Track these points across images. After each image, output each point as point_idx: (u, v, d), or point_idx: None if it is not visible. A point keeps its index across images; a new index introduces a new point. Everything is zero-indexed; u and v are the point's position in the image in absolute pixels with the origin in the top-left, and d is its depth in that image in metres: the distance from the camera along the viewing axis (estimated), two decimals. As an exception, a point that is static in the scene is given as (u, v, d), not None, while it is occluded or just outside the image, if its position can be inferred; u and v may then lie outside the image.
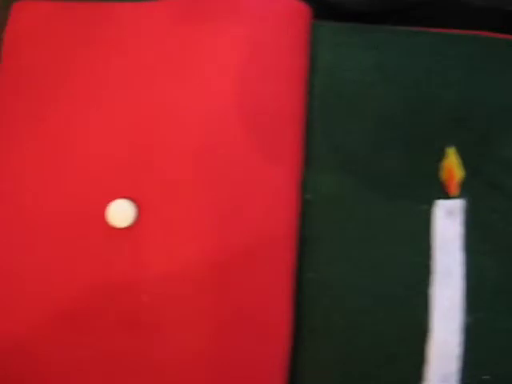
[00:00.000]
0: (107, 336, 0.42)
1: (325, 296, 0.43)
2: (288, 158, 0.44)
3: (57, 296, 0.43)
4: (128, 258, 0.43)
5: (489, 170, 0.43)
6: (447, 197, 0.43)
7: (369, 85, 0.45)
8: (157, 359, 0.42)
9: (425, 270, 0.43)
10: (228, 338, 0.42)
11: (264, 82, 0.45)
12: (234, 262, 0.42)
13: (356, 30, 0.46)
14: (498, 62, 0.45)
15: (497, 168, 0.43)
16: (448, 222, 0.43)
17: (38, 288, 0.43)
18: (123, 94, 0.45)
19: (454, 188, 0.43)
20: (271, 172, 0.43)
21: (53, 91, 0.46)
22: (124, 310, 0.43)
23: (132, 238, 0.43)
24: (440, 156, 0.43)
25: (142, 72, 0.45)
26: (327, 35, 0.46)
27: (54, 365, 0.42)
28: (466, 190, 0.43)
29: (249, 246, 0.42)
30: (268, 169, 0.43)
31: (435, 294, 0.43)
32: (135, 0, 0.47)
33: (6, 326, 0.43)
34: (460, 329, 0.42)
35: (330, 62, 0.46)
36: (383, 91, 0.44)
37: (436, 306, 0.43)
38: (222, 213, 0.43)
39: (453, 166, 0.43)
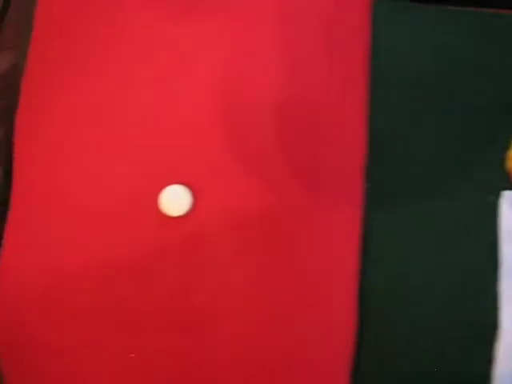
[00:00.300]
0: (157, 336, 0.38)
1: (388, 300, 0.41)
2: (353, 145, 0.41)
3: (105, 290, 0.39)
4: (182, 252, 0.39)
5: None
6: (513, 188, 0.42)
7: (429, 67, 0.43)
8: (210, 369, 0.38)
9: (491, 264, 0.41)
10: (291, 345, 0.39)
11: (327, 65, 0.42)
12: (299, 253, 0.39)
13: (416, 9, 0.44)
14: None
15: None
16: (514, 214, 0.41)
17: (86, 281, 0.39)
18: (172, 74, 0.41)
19: (519, 179, 0.42)
20: (337, 159, 0.41)
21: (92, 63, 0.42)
22: (177, 309, 0.39)
23: (187, 228, 0.39)
24: (505, 145, 0.42)
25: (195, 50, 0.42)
26: (386, 13, 0.44)
27: (101, 364, 0.38)
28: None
29: (313, 240, 0.40)
30: (332, 153, 0.41)
31: (503, 289, 0.41)
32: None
33: (55, 322, 0.38)
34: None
35: (388, 42, 0.44)
36: (445, 74, 0.43)
37: (505, 303, 0.41)
38: (283, 197, 0.40)
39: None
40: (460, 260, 0.41)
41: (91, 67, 0.43)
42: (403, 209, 0.42)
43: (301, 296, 0.39)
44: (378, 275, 0.41)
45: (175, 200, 0.38)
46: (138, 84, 0.41)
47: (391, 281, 0.41)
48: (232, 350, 0.39)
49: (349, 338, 0.39)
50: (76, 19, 0.43)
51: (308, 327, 0.39)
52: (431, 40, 0.43)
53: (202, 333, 0.39)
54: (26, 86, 0.44)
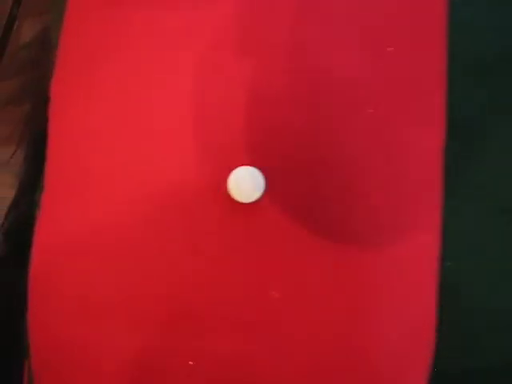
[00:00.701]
0: (219, 340, 0.32)
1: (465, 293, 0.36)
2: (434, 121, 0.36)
3: (161, 289, 0.32)
4: (254, 244, 0.33)
5: None
6: None
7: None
8: (283, 372, 0.32)
9: None
10: (368, 345, 0.33)
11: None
12: (376, 240, 0.34)
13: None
14: None
15: None
16: None
17: (139, 278, 0.32)
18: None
19: None
20: (417, 134, 0.36)
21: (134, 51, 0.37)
22: (244, 310, 0.33)
23: (259, 217, 0.33)
24: None
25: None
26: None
27: (154, 372, 0.32)
28: None
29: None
30: (414, 131, 0.36)
31: None
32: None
33: (119, 319, 0.32)
34: None
35: (464, 18, 0.39)
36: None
37: None
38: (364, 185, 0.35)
39: None
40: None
41: (134, 40, 0.37)
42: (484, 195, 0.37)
43: (378, 294, 0.34)
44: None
45: (246, 184, 0.33)
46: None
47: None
48: (306, 355, 0.33)
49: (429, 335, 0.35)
50: None
51: (386, 326, 0.34)
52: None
53: (272, 336, 0.33)
54: (61, 58, 0.39)
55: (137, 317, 0.34)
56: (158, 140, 0.34)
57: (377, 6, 0.37)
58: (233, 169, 0.33)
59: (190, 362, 0.33)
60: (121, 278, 0.34)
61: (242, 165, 0.33)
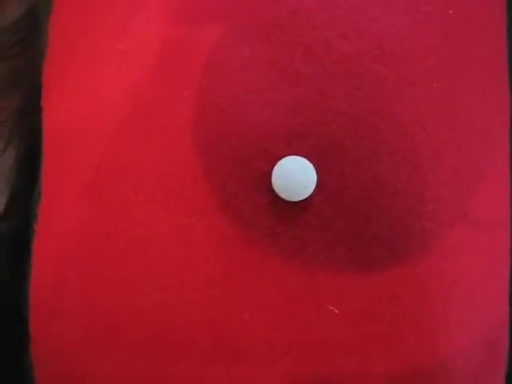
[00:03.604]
0: (273, 364, 0.26)
1: None
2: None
3: (194, 308, 0.27)
4: (301, 252, 0.27)
5: None
6: None
7: None
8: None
9: None
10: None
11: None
12: None
13: None
14: None
15: None
16: None
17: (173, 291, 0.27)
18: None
19: None
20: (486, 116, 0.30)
21: None
22: (301, 327, 0.27)
23: (310, 218, 0.27)
24: None
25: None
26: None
27: None
28: None
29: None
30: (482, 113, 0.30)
31: None
32: None
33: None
34: None
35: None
36: None
37: None
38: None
39: None
40: None
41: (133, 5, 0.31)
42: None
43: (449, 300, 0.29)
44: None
45: (296, 178, 0.26)
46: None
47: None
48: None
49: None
50: None
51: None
52: None
53: (326, 361, 0.27)
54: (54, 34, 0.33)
55: (155, 340, 0.28)
56: (173, 125, 0.28)
57: None
58: (276, 160, 0.27)
59: None
60: (133, 295, 0.28)
61: (285, 154, 0.27)
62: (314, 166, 0.27)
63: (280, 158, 0.27)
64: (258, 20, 0.29)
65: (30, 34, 0.35)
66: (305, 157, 0.27)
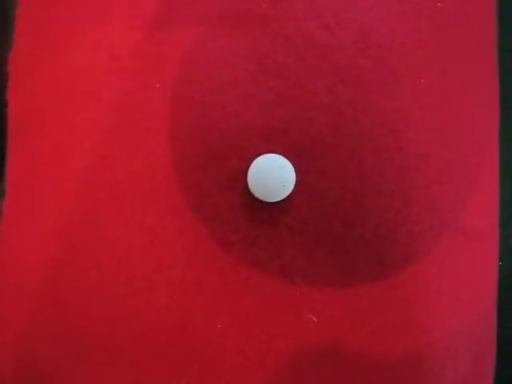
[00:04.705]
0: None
1: None
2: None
3: (170, 316, 0.25)
4: (272, 249, 0.26)
5: None
6: None
7: None
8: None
9: None
10: None
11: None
12: None
13: None
14: None
15: None
16: None
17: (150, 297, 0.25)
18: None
19: None
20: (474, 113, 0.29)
21: None
22: (283, 336, 0.25)
23: (289, 219, 0.26)
24: None
25: None
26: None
27: None
28: None
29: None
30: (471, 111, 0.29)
31: None
32: None
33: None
34: None
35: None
36: None
37: None
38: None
39: None
40: None
41: None
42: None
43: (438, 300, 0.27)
44: None
45: (273, 177, 0.25)
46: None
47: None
48: None
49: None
50: None
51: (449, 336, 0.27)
52: None
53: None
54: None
55: (126, 347, 0.26)
56: (145, 120, 0.27)
57: None
58: (252, 158, 0.25)
59: None
60: (102, 300, 0.26)
61: (263, 152, 0.25)
62: (293, 164, 0.25)
63: (257, 156, 0.25)
64: (237, 11, 0.27)
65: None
66: (283, 155, 0.25)
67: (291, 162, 0.25)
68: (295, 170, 0.25)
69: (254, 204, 0.25)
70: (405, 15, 0.28)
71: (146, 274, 0.26)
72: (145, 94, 0.27)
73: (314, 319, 0.26)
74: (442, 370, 0.28)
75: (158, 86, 0.27)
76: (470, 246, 0.29)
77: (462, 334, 0.29)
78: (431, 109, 0.28)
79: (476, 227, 0.29)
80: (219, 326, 0.26)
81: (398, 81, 0.27)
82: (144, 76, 0.27)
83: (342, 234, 0.26)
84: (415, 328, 0.27)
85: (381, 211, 0.26)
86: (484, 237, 0.30)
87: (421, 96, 0.27)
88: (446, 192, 0.28)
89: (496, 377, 0.32)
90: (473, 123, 0.29)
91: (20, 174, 0.30)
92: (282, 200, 0.25)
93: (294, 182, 0.25)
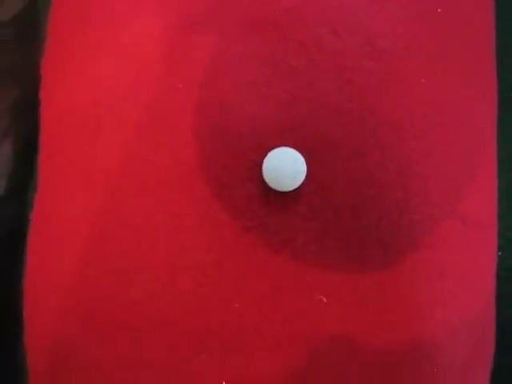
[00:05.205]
0: (262, 354, 0.27)
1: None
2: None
3: (188, 296, 0.27)
4: (291, 241, 0.28)
5: None
6: None
7: None
8: None
9: None
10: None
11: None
12: None
13: None
14: None
15: None
16: None
17: (164, 282, 0.27)
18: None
19: None
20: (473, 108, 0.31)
21: None
22: (289, 317, 0.28)
23: (299, 208, 0.28)
24: None
25: None
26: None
27: None
28: None
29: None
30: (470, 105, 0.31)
31: None
32: None
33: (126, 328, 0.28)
34: None
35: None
36: None
37: None
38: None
39: None
40: None
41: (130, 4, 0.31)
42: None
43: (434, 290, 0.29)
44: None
45: (286, 169, 0.27)
46: None
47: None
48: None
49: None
50: None
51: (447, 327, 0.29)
52: None
53: (318, 350, 0.28)
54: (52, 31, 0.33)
55: (149, 328, 0.29)
56: (170, 118, 0.29)
57: None
58: (267, 151, 0.27)
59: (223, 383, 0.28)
60: (128, 285, 0.28)
61: (277, 146, 0.28)
62: (304, 157, 0.28)
63: (271, 150, 0.27)
64: (253, 18, 0.30)
65: (29, 29, 0.36)
66: (295, 148, 0.28)
67: (303, 155, 0.28)
68: (306, 163, 0.28)
69: (269, 193, 0.28)
70: (407, 21, 0.30)
71: (171, 259, 0.28)
72: (172, 94, 0.29)
73: (324, 300, 0.28)
74: (442, 356, 0.30)
75: (180, 86, 0.29)
76: (470, 234, 0.31)
77: (462, 321, 0.30)
78: (432, 107, 0.30)
79: (475, 217, 0.31)
80: (237, 305, 0.28)
81: (400, 81, 0.29)
82: (169, 78, 0.29)
83: (349, 222, 0.28)
84: (417, 313, 0.29)
85: (384, 202, 0.28)
86: (483, 226, 0.32)
87: (422, 95, 0.30)
88: (447, 185, 0.30)
89: (494, 363, 0.34)
90: (472, 120, 0.32)
91: (51, 170, 0.32)
92: (294, 190, 0.28)
93: (304, 174, 0.27)
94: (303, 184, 0.28)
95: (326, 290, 0.29)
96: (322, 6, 0.29)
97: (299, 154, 0.27)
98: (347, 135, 0.28)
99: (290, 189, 0.27)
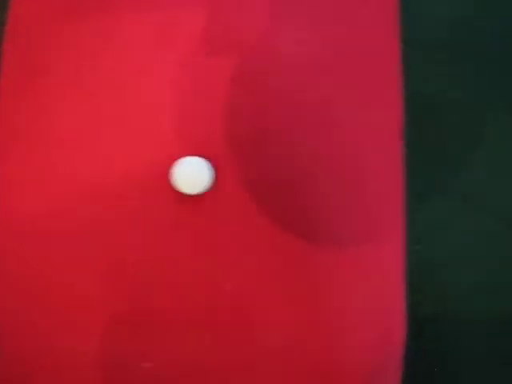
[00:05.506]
0: (175, 339, 0.30)
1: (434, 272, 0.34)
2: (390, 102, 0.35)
3: (118, 283, 0.31)
4: (201, 236, 0.31)
5: None
6: None
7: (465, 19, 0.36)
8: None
9: None
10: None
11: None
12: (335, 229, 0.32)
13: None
14: None
15: None
16: None
17: (95, 273, 0.31)
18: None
19: None
20: (373, 116, 0.34)
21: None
22: (200, 304, 0.31)
23: (206, 210, 0.31)
24: None
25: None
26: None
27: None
28: None
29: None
30: (368, 113, 0.34)
31: None
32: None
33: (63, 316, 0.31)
34: None
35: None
36: (482, 25, 0.36)
37: None
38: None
39: None
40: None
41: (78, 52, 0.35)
42: (449, 176, 0.35)
43: (340, 289, 0.32)
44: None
45: (192, 175, 0.31)
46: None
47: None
48: (264, 350, 0.31)
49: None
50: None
51: (353, 321, 0.32)
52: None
53: (231, 330, 0.31)
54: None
55: (82, 315, 0.32)
56: (104, 134, 0.33)
57: None
58: (177, 159, 0.31)
59: (146, 364, 0.31)
60: (67, 273, 0.32)
61: (188, 155, 0.31)
62: (213, 165, 0.31)
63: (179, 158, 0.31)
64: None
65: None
66: (204, 157, 0.31)
67: (210, 162, 0.31)
68: (213, 169, 0.31)
69: (180, 198, 0.31)
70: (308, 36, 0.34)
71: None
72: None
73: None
74: (353, 337, 0.32)
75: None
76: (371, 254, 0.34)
77: (370, 310, 0.33)
78: (328, 115, 0.33)
79: (377, 235, 0.34)
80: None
81: (293, 93, 0.33)
82: None
83: (251, 220, 0.31)
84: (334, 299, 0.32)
85: (283, 204, 0.32)
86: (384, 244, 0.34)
87: (318, 105, 0.33)
88: (345, 191, 0.33)
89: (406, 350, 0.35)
90: (373, 128, 0.34)
91: None
92: (203, 194, 0.31)
93: (210, 179, 0.31)
94: (213, 187, 0.31)
95: (236, 280, 0.31)
96: (225, 26, 0.33)
97: (206, 161, 0.31)
98: (252, 145, 0.32)
99: (198, 191, 0.31)
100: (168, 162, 0.31)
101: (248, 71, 0.33)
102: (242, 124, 0.32)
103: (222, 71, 0.33)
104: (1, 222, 0.33)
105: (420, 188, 0.35)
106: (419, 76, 0.36)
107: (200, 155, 0.31)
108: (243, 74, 0.33)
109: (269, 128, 0.32)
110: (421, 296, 0.34)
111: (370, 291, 0.33)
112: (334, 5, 0.35)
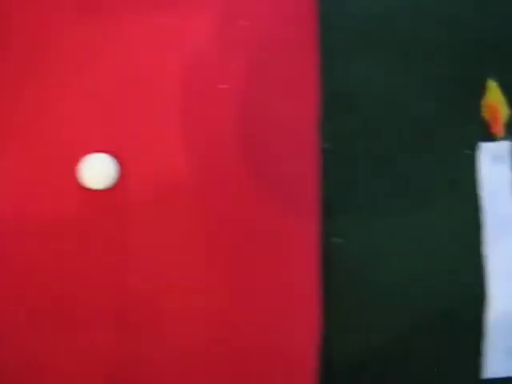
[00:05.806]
0: (87, 333, 0.32)
1: (355, 265, 0.35)
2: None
3: (19, 279, 0.32)
4: (109, 230, 0.33)
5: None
6: (492, 139, 0.36)
7: (396, 18, 0.37)
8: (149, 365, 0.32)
9: (473, 226, 0.36)
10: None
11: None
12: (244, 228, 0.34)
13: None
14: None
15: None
16: (495, 168, 0.36)
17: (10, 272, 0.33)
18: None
19: (499, 128, 0.36)
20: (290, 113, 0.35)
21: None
22: (108, 298, 0.33)
23: (113, 204, 0.33)
24: (480, 92, 0.37)
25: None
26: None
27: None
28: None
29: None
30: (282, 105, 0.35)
31: (489, 253, 0.35)
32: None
33: None
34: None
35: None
36: (413, 24, 0.37)
37: (492, 268, 0.35)
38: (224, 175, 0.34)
39: (497, 103, 0.36)
40: (437, 226, 0.36)
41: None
42: (370, 170, 0.36)
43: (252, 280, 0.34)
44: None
45: (98, 171, 0.32)
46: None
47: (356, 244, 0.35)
48: (177, 344, 0.33)
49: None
50: None
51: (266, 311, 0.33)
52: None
53: (141, 325, 0.33)
54: None
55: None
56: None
57: None
58: (85, 155, 0.33)
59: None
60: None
61: (94, 152, 0.33)
62: (118, 161, 0.33)
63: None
64: None
65: None
66: (109, 154, 0.33)
67: (115, 158, 0.33)
68: (118, 164, 0.33)
69: (88, 193, 0.33)
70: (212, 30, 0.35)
71: None
72: None
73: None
74: None
75: None
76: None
77: (285, 298, 0.34)
78: (238, 108, 0.35)
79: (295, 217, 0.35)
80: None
81: (205, 86, 0.34)
82: None
83: (157, 213, 0.34)
84: None
85: (190, 197, 0.34)
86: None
87: (226, 98, 0.34)
88: (259, 181, 0.34)
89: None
90: (287, 119, 0.36)
91: None
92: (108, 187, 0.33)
93: (115, 174, 0.32)
94: (117, 183, 0.33)
95: (143, 273, 0.33)
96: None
97: (110, 157, 0.33)
98: (159, 142, 0.34)
99: (104, 186, 0.32)
100: (75, 160, 0.33)
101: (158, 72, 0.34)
102: (148, 121, 0.34)
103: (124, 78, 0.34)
104: None
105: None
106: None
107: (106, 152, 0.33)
108: (155, 75, 0.34)
109: (170, 124, 0.34)
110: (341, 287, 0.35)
111: (283, 278, 0.34)
112: None
